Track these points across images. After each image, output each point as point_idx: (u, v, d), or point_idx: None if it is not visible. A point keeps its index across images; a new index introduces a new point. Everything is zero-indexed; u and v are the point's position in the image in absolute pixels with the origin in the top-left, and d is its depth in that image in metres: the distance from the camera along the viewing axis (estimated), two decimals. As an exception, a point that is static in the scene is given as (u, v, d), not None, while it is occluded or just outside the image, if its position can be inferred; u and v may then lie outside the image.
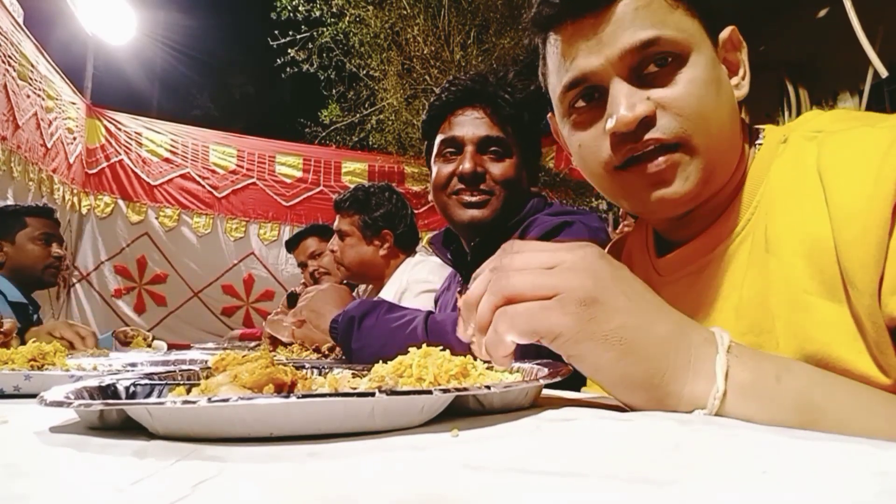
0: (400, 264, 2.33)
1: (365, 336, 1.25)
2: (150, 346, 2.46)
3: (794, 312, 0.60)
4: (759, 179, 0.69)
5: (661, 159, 0.64)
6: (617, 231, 3.20)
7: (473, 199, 1.34)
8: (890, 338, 0.54)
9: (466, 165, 1.33)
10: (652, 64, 0.65)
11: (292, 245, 3.31)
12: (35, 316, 2.53)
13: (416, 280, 2.12)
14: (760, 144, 0.72)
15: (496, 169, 1.35)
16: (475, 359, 0.58)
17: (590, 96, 0.69)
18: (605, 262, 0.51)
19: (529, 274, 0.49)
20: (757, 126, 0.75)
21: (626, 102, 0.64)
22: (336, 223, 2.39)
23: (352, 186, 2.43)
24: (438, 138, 1.41)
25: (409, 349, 0.59)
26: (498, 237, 0.71)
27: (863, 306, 0.54)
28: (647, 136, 0.64)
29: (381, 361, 0.60)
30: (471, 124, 1.37)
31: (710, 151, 0.65)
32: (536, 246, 0.53)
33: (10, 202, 3.63)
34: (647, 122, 0.64)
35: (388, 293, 2.21)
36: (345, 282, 2.53)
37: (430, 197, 1.45)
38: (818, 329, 0.58)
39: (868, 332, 0.55)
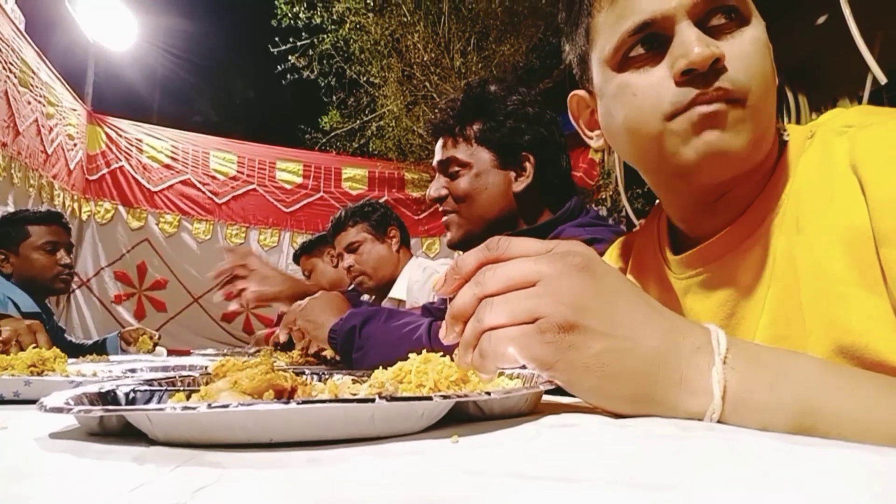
0: (407, 262, 2.49)
1: (367, 344, 1.24)
2: (155, 346, 2.46)
3: (829, 304, 0.59)
4: (788, 173, 0.68)
5: (720, 104, 0.62)
6: None
7: (445, 219, 1.47)
8: None
9: (429, 191, 1.48)
10: (720, 15, 0.64)
11: (304, 252, 3.34)
12: (48, 324, 2.51)
13: (441, 268, 2.22)
14: (785, 141, 0.71)
15: (453, 188, 1.43)
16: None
17: (649, 44, 0.67)
18: (587, 274, 0.49)
19: (508, 302, 0.48)
20: (777, 125, 0.74)
21: (699, 41, 0.62)
22: (341, 242, 2.50)
23: (340, 208, 2.60)
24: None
25: (410, 355, 0.59)
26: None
27: None
28: (717, 84, 0.62)
29: (381, 367, 0.60)
30: (436, 155, 1.49)
31: (762, 116, 0.64)
32: (520, 249, 0.51)
33: (9, 208, 3.63)
34: (718, 69, 0.62)
35: (399, 290, 2.35)
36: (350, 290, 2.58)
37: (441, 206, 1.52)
38: (854, 320, 0.57)
39: None
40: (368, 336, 1.24)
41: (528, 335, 0.47)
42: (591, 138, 0.83)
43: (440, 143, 1.47)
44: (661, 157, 0.67)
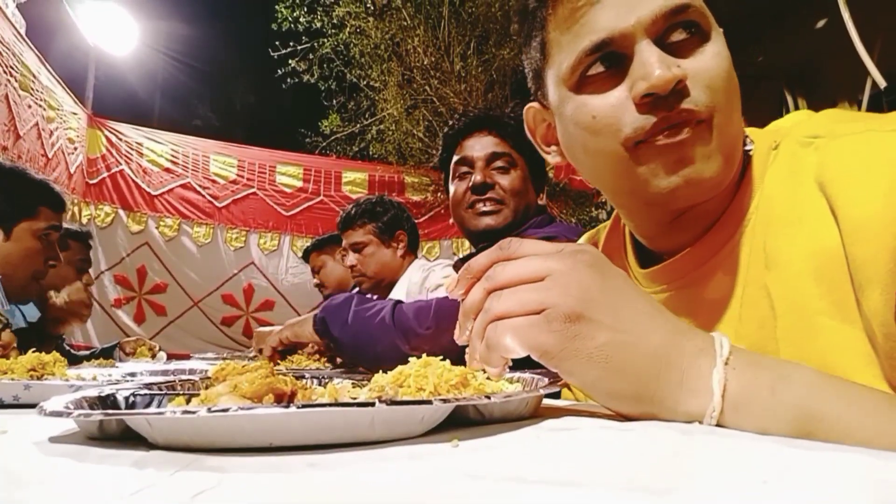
0: (408, 265, 2.46)
1: (343, 328, 1.38)
2: (154, 356, 2.45)
3: (804, 337, 0.58)
4: (753, 189, 0.66)
5: (686, 129, 0.59)
6: None
7: (487, 208, 1.55)
8: None
9: (477, 177, 1.57)
10: (679, 30, 0.61)
11: (315, 248, 3.35)
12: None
13: (437, 266, 2.24)
14: (749, 150, 0.68)
15: (504, 180, 1.57)
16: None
17: (608, 63, 0.63)
18: (595, 271, 0.50)
19: (517, 292, 0.49)
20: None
21: (660, 63, 0.58)
22: (348, 239, 2.49)
23: (350, 204, 2.57)
24: (453, 161, 1.65)
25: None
26: None
27: (876, 321, 0.52)
28: (680, 107, 0.59)
29: (381, 371, 0.60)
30: (479, 144, 1.62)
31: (730, 133, 0.62)
32: (530, 248, 0.52)
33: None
34: (681, 90, 0.59)
35: (398, 292, 2.33)
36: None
37: (451, 220, 1.69)
38: (831, 354, 0.55)
39: (881, 345, 0.53)
40: (343, 321, 1.38)
41: (534, 324, 0.48)
42: (548, 153, 0.80)
43: (490, 134, 1.62)
44: (630, 183, 0.65)
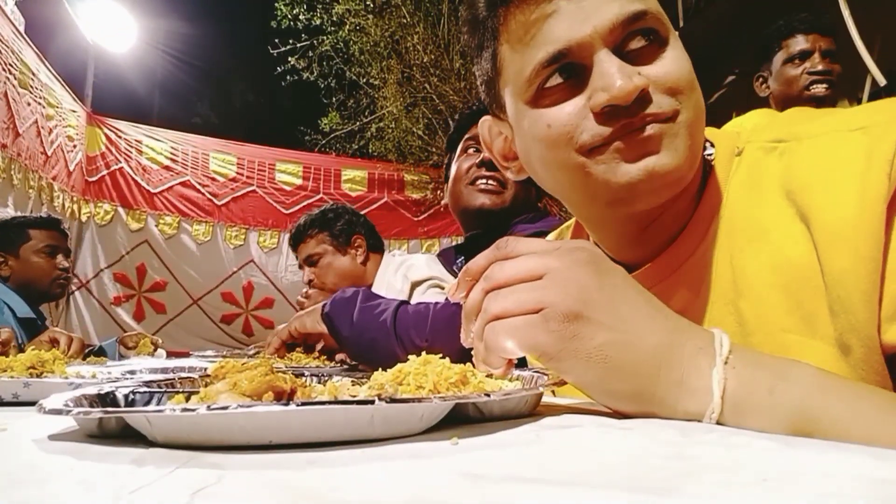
0: (376, 266, 2.32)
1: (349, 325, 1.35)
2: (156, 350, 2.45)
3: (773, 353, 0.55)
4: (716, 199, 0.64)
5: (649, 127, 0.58)
6: None
7: (490, 185, 1.55)
8: (886, 366, 0.51)
9: (487, 154, 1.52)
10: (637, 37, 0.59)
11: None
12: (41, 330, 2.52)
13: (419, 278, 2.08)
14: (710, 155, 0.67)
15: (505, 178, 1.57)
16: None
17: (566, 74, 0.60)
18: (592, 268, 0.49)
19: (514, 292, 0.49)
20: None
21: (620, 73, 0.56)
22: (301, 254, 2.37)
23: (297, 222, 2.44)
24: (464, 139, 1.66)
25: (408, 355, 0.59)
26: (492, 237, 0.68)
27: (856, 334, 0.51)
28: (644, 113, 0.57)
29: (380, 369, 0.60)
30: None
31: (695, 132, 0.60)
32: (528, 247, 0.52)
33: (9, 210, 3.64)
34: (643, 97, 0.57)
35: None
36: None
37: (444, 200, 1.67)
38: None
39: (863, 358, 0.51)
40: (350, 318, 1.34)
41: (532, 324, 0.47)
42: (507, 168, 0.77)
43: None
44: (590, 188, 0.62)
